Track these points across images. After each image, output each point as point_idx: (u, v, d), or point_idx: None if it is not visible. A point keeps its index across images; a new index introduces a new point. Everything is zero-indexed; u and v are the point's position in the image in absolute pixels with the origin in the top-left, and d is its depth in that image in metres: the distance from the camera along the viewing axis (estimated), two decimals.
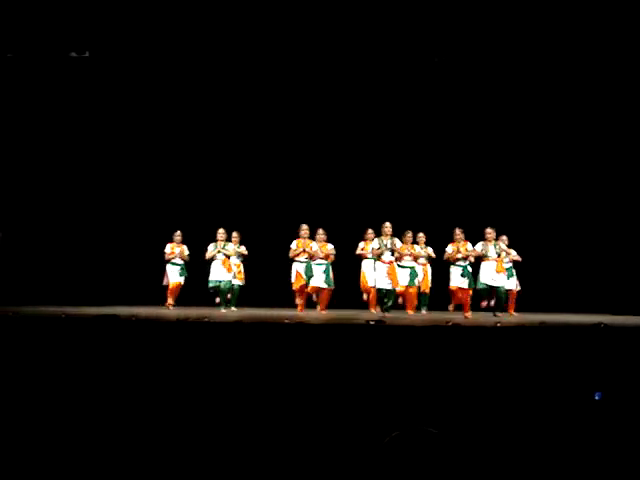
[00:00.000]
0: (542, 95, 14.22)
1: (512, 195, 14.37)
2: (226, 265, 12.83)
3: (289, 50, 13.65)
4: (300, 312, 12.32)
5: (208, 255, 12.92)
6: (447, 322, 9.05)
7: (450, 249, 12.39)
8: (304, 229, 12.70)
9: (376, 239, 12.30)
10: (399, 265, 12.41)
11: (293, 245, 12.68)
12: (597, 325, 8.98)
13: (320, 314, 12.13)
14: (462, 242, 12.32)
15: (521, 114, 14.35)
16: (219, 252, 12.88)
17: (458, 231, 12.38)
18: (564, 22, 12.98)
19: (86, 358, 7.81)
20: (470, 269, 12.32)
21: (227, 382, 7.33)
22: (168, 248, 13.31)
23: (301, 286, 12.57)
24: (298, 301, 12.70)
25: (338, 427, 5.98)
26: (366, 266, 12.90)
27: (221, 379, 7.40)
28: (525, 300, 13.44)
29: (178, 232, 13.33)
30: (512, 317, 12.14)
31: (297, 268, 12.61)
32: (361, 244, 13.10)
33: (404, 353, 7.98)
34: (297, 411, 6.52)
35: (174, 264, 13.24)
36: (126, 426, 5.94)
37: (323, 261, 12.55)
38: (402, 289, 12.62)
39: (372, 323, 8.82)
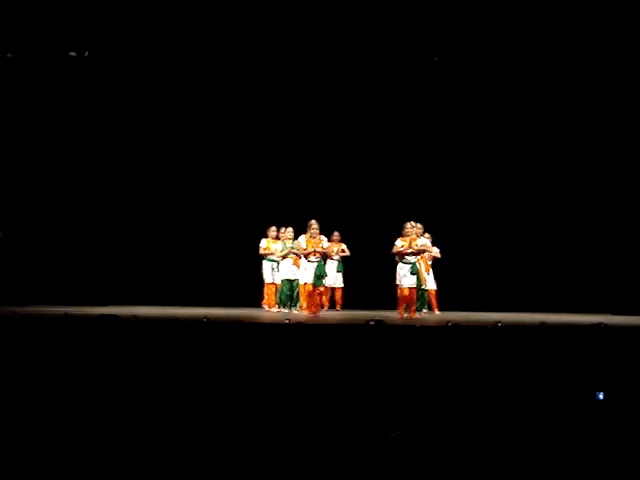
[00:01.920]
0: (538, 96, 14.20)
1: (515, 195, 14.35)
2: (297, 263, 12.46)
3: (289, 51, 13.66)
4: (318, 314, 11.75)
5: (280, 254, 12.60)
6: (447, 322, 9.05)
7: (400, 243, 11.65)
8: (314, 227, 11.83)
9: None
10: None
11: (302, 243, 11.90)
12: (597, 325, 8.98)
13: (303, 313, 11.88)
14: (413, 237, 11.64)
15: (518, 114, 14.33)
16: (290, 252, 12.54)
17: (409, 225, 11.70)
18: (563, 22, 12.99)
19: (86, 358, 7.80)
20: (418, 266, 11.77)
21: (227, 382, 7.32)
22: (264, 243, 12.89)
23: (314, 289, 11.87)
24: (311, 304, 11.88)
25: (338, 426, 5.98)
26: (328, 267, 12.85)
27: (221, 379, 7.40)
28: (525, 300, 13.46)
29: (273, 227, 12.90)
30: (438, 315, 12.04)
31: (307, 268, 11.89)
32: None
33: (404, 353, 7.98)
34: (297, 410, 6.52)
35: (270, 260, 12.85)
36: (126, 425, 5.94)
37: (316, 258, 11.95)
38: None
39: (372, 323, 8.81)
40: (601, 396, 6.74)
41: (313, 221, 11.88)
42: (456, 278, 13.80)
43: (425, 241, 11.95)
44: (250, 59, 13.96)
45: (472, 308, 12.94)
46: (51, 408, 6.46)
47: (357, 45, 13.55)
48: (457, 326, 8.82)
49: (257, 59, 13.95)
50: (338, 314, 12.38)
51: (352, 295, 13.40)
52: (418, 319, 11.12)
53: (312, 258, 11.78)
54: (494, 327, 8.92)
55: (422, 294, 12.27)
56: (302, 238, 11.96)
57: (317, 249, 11.78)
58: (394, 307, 12.45)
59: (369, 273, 13.54)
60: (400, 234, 11.75)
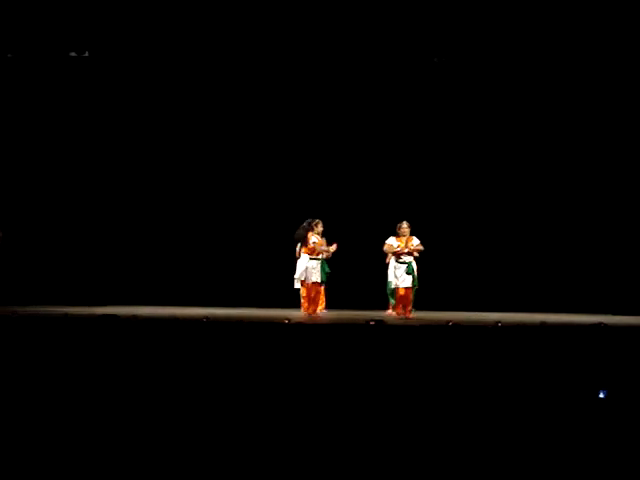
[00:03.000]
0: (537, 96, 14.20)
1: (515, 195, 14.34)
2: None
3: (290, 53, 13.66)
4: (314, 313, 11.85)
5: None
6: (447, 322, 9.05)
7: (395, 243, 11.70)
8: (320, 225, 11.97)
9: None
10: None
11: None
12: (597, 325, 8.99)
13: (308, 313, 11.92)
14: (408, 237, 11.64)
15: (517, 114, 14.33)
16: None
17: (405, 225, 11.67)
18: (563, 22, 13.00)
19: (86, 358, 7.81)
20: (414, 266, 11.70)
21: (227, 382, 7.32)
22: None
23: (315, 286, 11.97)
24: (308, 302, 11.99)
25: (338, 426, 5.98)
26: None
27: (221, 379, 7.40)
28: (525, 300, 13.45)
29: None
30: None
31: (315, 266, 11.90)
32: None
33: (404, 353, 7.98)
34: (297, 410, 6.52)
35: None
36: (126, 425, 5.94)
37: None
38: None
39: (372, 323, 8.81)
40: (602, 395, 6.74)
41: (319, 221, 11.99)
42: (456, 278, 13.83)
43: (419, 241, 11.88)
44: (251, 61, 13.96)
45: (472, 308, 12.93)
46: (51, 408, 6.46)
47: (357, 46, 13.54)
48: (457, 326, 8.83)
49: (258, 61, 13.95)
50: (337, 314, 12.38)
51: (337, 295, 13.27)
52: (417, 319, 11.11)
53: (320, 256, 11.89)
54: (494, 327, 8.93)
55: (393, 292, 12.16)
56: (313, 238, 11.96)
57: (327, 247, 11.94)
58: (379, 307, 12.47)
59: (351, 273, 13.48)
60: (394, 233, 11.81)
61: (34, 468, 4.92)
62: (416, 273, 11.82)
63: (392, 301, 12.30)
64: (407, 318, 11.25)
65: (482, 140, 14.40)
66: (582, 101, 14.11)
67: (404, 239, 11.64)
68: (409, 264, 11.58)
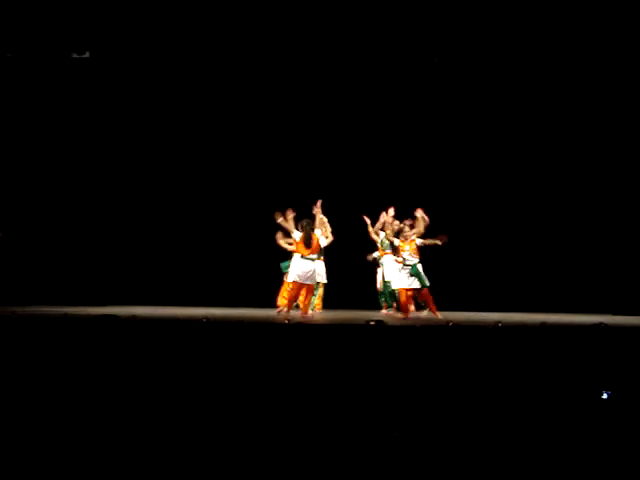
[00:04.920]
0: (540, 95, 14.21)
1: (515, 195, 14.35)
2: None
3: (290, 51, 13.66)
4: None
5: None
6: (447, 322, 9.05)
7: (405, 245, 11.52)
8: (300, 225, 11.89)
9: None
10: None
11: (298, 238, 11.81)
12: (598, 325, 8.99)
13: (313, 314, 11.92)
14: (412, 239, 11.43)
15: (519, 114, 14.33)
16: None
17: (410, 224, 11.54)
18: (563, 22, 13.01)
19: (86, 358, 7.80)
20: (420, 267, 11.47)
21: (227, 382, 7.32)
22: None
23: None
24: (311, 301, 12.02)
25: (338, 427, 5.98)
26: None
27: (221, 379, 7.40)
28: (526, 300, 13.46)
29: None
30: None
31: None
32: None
33: (404, 353, 7.98)
34: (297, 411, 6.51)
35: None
36: (126, 425, 5.94)
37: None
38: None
39: (372, 323, 8.81)
40: (604, 395, 6.74)
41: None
42: (456, 278, 13.82)
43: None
44: (251, 61, 13.96)
45: (472, 308, 12.93)
46: (51, 408, 6.46)
47: (357, 45, 13.55)
48: (457, 326, 8.82)
49: (258, 60, 13.95)
50: (335, 314, 12.38)
51: (336, 294, 13.24)
52: (417, 319, 11.11)
53: (314, 256, 11.77)
54: (494, 327, 8.92)
55: (392, 292, 12.11)
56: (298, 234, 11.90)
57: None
58: (374, 307, 12.55)
59: (349, 273, 13.48)
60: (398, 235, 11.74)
61: (34, 468, 4.92)
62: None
63: (383, 301, 12.46)
64: (435, 315, 11.13)
65: (482, 140, 14.41)
66: (582, 101, 14.12)
67: (409, 241, 11.53)
68: (413, 266, 11.42)
